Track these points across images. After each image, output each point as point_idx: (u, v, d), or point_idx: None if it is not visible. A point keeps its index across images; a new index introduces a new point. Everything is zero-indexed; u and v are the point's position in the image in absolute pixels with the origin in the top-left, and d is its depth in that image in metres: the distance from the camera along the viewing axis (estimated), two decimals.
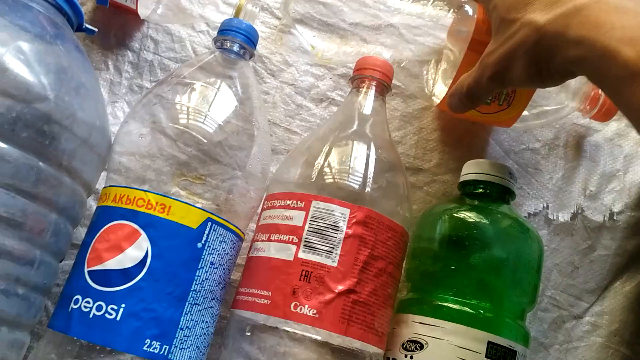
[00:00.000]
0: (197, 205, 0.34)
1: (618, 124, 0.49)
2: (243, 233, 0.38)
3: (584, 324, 0.45)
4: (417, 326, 0.36)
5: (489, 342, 0.35)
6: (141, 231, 0.33)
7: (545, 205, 0.47)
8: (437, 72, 0.43)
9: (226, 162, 0.36)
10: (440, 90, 0.43)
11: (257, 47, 0.41)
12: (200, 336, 0.34)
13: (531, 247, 0.39)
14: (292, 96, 0.47)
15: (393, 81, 0.42)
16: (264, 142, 0.39)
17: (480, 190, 0.41)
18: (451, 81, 0.40)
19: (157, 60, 0.47)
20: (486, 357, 0.34)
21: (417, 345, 0.36)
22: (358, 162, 0.37)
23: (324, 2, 0.47)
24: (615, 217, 0.46)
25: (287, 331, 0.35)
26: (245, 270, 0.37)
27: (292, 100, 0.47)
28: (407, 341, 0.36)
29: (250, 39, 0.40)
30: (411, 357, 0.36)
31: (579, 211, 0.46)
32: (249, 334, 0.35)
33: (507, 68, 0.32)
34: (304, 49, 0.46)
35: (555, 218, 0.46)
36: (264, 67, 0.48)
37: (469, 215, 0.38)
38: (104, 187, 0.36)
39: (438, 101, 0.43)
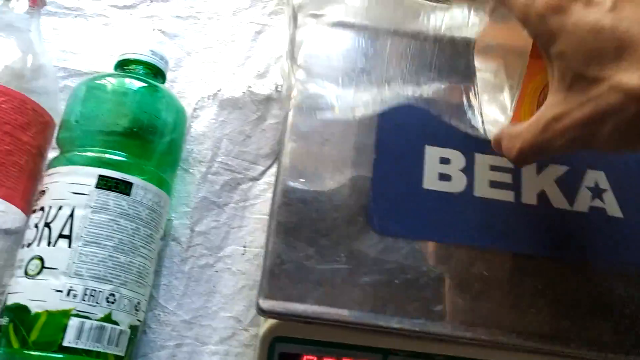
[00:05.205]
0: None
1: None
2: None
3: (261, 184, 0.49)
4: (46, 178, 0.40)
5: (100, 175, 0.38)
6: None
7: (219, 89, 0.52)
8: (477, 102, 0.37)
9: None
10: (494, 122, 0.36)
11: None
12: None
13: (161, 108, 0.43)
14: None
15: None
16: None
17: (128, 67, 0.45)
18: (514, 105, 0.34)
19: None
20: (97, 187, 0.38)
21: (41, 193, 0.39)
22: None
23: None
24: (280, 89, 0.52)
25: None
26: None
27: None
28: (38, 193, 0.40)
29: None
30: (35, 204, 0.39)
31: (248, 88, 0.51)
32: None
33: (590, 136, 0.28)
34: None
35: (224, 97, 0.51)
36: None
37: (101, 80, 0.43)
38: None
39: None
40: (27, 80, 0.43)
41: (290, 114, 0.41)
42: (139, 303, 0.39)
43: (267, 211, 0.48)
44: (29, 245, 0.37)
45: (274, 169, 0.50)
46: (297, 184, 0.39)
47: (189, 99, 0.51)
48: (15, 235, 0.41)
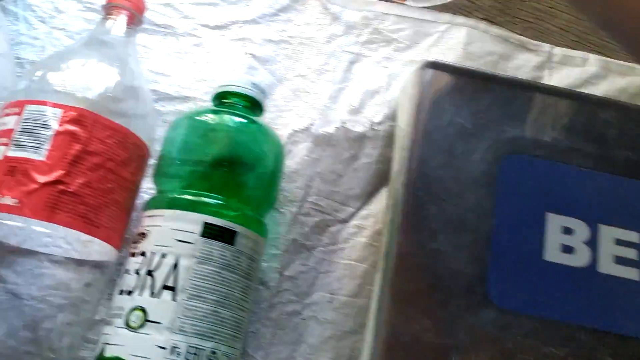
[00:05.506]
0: None
1: (387, 49, 0.53)
2: None
3: (350, 227, 0.47)
4: (146, 219, 0.38)
5: (205, 223, 0.36)
6: None
7: (310, 123, 0.49)
8: None
9: None
10: None
11: None
12: None
13: (263, 146, 0.41)
14: (61, 39, 0.49)
15: None
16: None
17: (227, 100, 0.43)
18: None
19: None
20: (202, 236, 0.36)
21: (141, 236, 0.37)
22: (84, 70, 0.38)
23: None
24: (375, 127, 0.49)
25: (47, 254, 0.36)
26: None
27: (62, 44, 0.49)
28: (137, 234, 0.38)
29: None
30: (135, 247, 0.37)
31: (342, 124, 0.49)
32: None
33: None
34: None
35: (318, 132, 0.49)
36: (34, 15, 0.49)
37: (201, 116, 0.40)
38: None
39: None
40: (125, 106, 0.40)
41: (404, 170, 0.39)
42: (235, 359, 0.37)
43: (355, 256, 0.46)
44: (129, 293, 0.35)
45: (364, 212, 0.47)
46: (412, 247, 0.37)
47: (281, 131, 0.48)
48: (107, 269, 0.39)
